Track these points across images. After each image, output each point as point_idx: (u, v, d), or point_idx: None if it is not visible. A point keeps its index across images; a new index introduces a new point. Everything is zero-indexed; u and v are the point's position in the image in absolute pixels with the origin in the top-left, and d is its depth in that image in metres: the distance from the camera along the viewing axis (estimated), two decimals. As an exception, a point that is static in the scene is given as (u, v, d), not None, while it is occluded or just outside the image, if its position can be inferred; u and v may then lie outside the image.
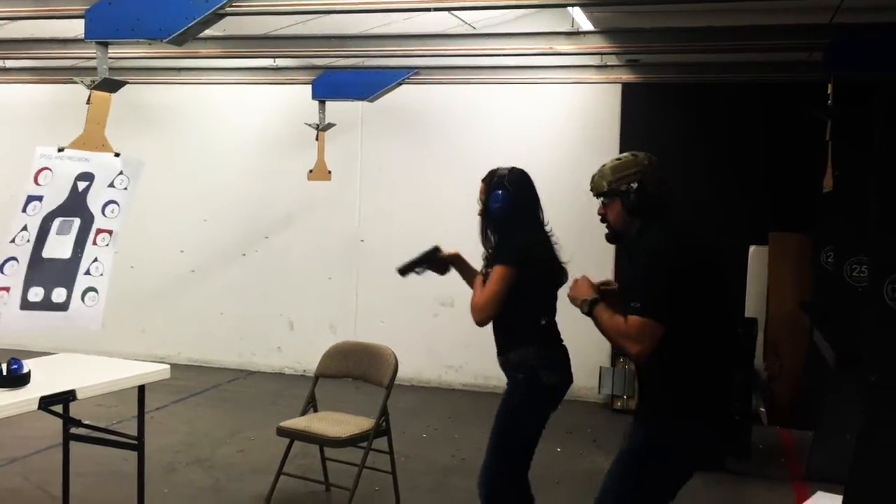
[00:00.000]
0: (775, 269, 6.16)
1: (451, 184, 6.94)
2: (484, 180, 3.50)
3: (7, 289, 3.48)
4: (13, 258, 3.50)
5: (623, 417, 6.37)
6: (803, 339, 5.87)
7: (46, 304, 3.67)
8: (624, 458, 2.87)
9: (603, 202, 2.94)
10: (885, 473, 3.85)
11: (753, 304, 6.20)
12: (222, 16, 4.08)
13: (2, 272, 3.47)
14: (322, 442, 4.20)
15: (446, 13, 5.42)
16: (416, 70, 6.37)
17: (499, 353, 3.47)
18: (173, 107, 7.71)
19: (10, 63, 7.15)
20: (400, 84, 6.48)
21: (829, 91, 4.44)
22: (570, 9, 4.96)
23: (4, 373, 3.39)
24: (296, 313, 7.65)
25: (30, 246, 3.56)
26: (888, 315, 3.90)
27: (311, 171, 6.61)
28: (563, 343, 3.48)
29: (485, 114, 7.13)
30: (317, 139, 6.64)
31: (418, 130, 7.29)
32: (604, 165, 2.94)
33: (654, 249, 2.78)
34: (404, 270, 3.62)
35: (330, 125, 6.66)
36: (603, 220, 2.96)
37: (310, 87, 6.72)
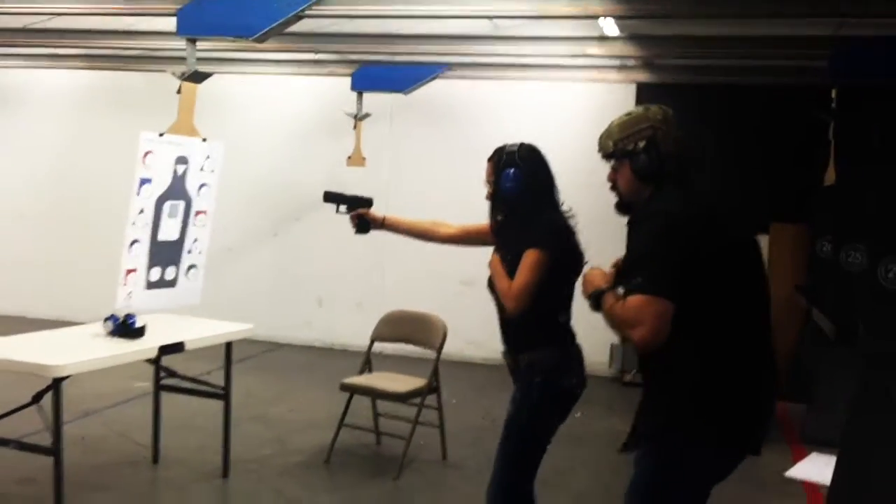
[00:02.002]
0: (774, 257, 6.73)
1: (474, 172, 7.43)
2: (490, 159, 3.15)
3: (135, 270, 3.98)
4: (136, 240, 3.99)
5: (632, 390, 6.95)
6: (798, 320, 6.45)
7: (162, 283, 4.18)
8: (638, 492, 2.45)
9: (612, 166, 2.54)
10: (875, 435, 4.43)
11: (754, 288, 6.77)
12: (301, 17, 4.59)
13: (129, 254, 3.96)
14: (383, 396, 4.74)
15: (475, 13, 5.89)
16: (450, 66, 6.89)
17: (508, 352, 3.10)
18: (214, 95, 8.17)
19: (61, 51, 7.61)
20: (433, 79, 7.00)
21: (833, 95, 4.99)
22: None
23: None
24: (324, 291, 8.16)
25: (148, 228, 4.04)
26: (882, 293, 4.49)
27: (349, 158, 7.12)
28: (577, 342, 3.15)
29: (507, 106, 7.64)
30: (354, 128, 7.16)
31: (444, 121, 7.81)
32: (612, 122, 2.54)
33: (662, 212, 2.33)
34: (329, 197, 3.54)
35: (366, 115, 7.18)
36: (613, 188, 2.56)
37: (342, 79, 7.24)
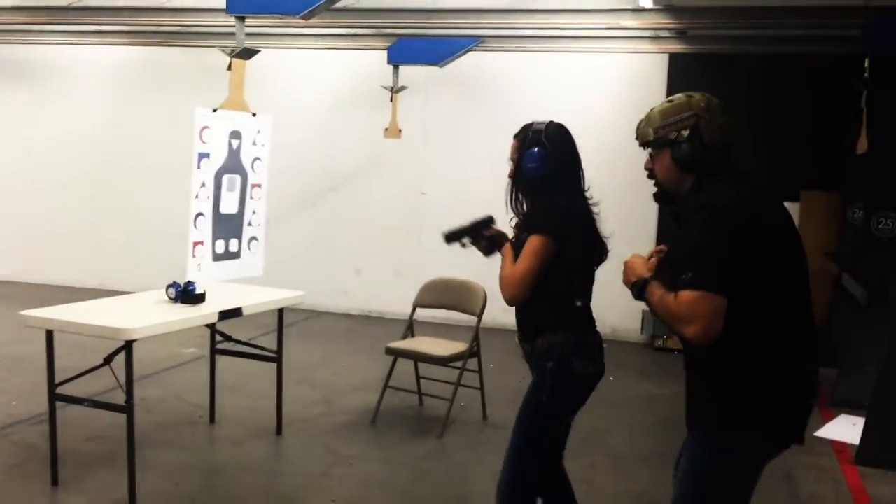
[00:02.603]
0: (806, 224, 6.83)
1: (507, 143, 7.59)
2: (517, 136, 3.03)
3: (201, 242, 4.18)
4: (200, 213, 4.19)
5: (662, 355, 7.17)
6: (828, 286, 6.57)
7: (227, 255, 4.40)
8: (691, 488, 2.39)
9: (650, 154, 2.47)
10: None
11: (785, 255, 6.90)
12: (345, -6, 4.75)
13: (195, 227, 4.16)
14: (427, 359, 4.95)
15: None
16: (483, 39, 7.01)
17: (522, 339, 3.03)
18: (257, 69, 8.37)
19: (105, 27, 7.83)
20: (467, 51, 7.13)
21: (865, 65, 5.07)
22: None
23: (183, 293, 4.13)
24: (362, 260, 8.38)
25: (210, 202, 4.24)
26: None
27: (386, 129, 7.30)
28: (598, 330, 3.05)
29: (539, 78, 7.75)
30: (391, 100, 7.32)
31: (478, 93, 7.94)
32: (652, 109, 2.46)
33: (710, 205, 2.26)
34: (450, 238, 3.20)
35: (402, 88, 7.33)
36: (650, 177, 2.49)
37: (379, 52, 7.39)
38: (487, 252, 3.19)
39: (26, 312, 3.86)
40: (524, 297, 2.87)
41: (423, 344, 5.05)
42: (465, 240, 3.17)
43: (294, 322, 7.79)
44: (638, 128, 2.48)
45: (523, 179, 2.98)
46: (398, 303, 6.83)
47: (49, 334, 3.79)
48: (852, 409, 5.45)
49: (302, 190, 8.47)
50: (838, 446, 4.95)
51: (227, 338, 4.68)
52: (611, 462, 4.60)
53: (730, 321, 2.17)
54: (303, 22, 6.53)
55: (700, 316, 2.14)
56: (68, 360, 3.97)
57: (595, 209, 3.01)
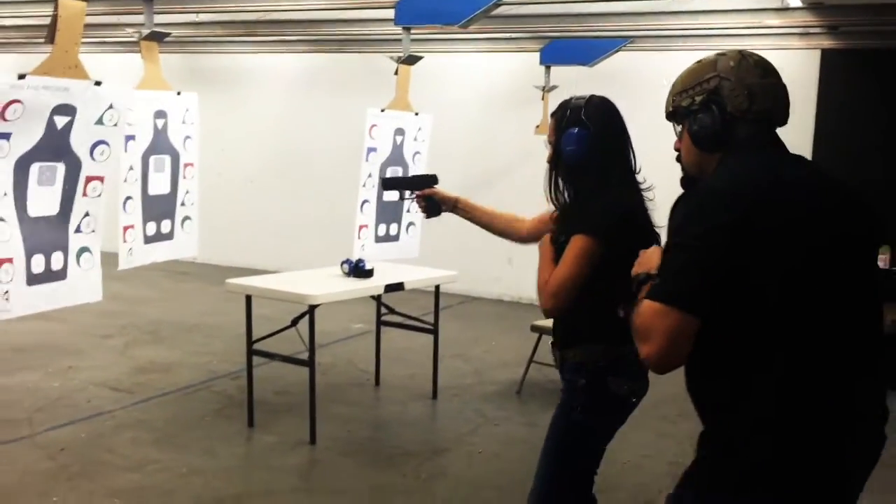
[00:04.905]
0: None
1: (654, 140, 7.83)
2: (554, 115, 2.67)
3: (366, 225, 4.82)
4: (366, 200, 4.84)
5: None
6: None
7: (387, 237, 5.03)
8: None
9: (677, 132, 1.98)
10: None
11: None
12: (500, 4, 5.26)
13: (361, 212, 4.80)
14: (568, 337, 5.39)
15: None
16: (632, 39, 7.34)
17: (555, 347, 2.70)
18: (420, 72, 9.08)
19: (289, 37, 8.75)
20: (617, 51, 7.48)
21: None
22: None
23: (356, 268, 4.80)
24: (513, 250, 8.81)
25: (375, 191, 4.86)
26: None
27: (537, 126, 7.77)
28: None
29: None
30: (542, 99, 7.78)
31: (625, 91, 8.15)
32: (681, 73, 1.99)
33: (702, 189, 1.78)
34: (388, 184, 3.07)
35: (554, 87, 7.78)
36: (678, 159, 2.01)
37: (532, 54, 7.86)
38: (427, 213, 3.13)
39: (230, 280, 4.66)
40: (565, 308, 2.52)
41: (565, 323, 5.50)
42: (406, 193, 3.10)
43: (450, 305, 8.43)
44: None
45: (562, 165, 2.61)
46: (546, 289, 7.28)
47: (248, 299, 4.55)
48: None
49: (458, 182, 8.93)
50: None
51: (391, 310, 5.33)
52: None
53: (728, 357, 1.71)
54: (462, 29, 7.18)
55: (656, 333, 1.69)
56: (257, 330, 4.69)
57: (648, 195, 2.64)
